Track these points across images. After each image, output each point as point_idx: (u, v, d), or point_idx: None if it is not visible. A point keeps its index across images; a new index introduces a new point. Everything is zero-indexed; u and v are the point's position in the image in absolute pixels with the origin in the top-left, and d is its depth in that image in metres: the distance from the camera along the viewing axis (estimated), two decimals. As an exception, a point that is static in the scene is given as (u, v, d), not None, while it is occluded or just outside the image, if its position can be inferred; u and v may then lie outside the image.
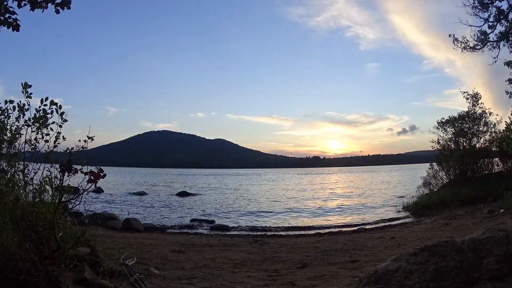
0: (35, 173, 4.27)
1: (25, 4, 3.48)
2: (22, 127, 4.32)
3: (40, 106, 4.08)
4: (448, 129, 14.68)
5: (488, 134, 14.04)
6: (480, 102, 14.29)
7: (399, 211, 14.09)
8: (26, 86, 4.05)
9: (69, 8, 3.56)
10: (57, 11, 3.53)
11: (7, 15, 3.45)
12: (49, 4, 3.52)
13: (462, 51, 12.88)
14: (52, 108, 4.06)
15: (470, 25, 12.46)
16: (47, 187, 4.14)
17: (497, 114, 14.02)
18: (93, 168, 3.24)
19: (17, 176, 4.26)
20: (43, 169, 4.17)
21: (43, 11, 3.52)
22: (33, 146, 4.27)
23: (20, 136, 4.39)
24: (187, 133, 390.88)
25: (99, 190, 23.58)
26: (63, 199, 3.49)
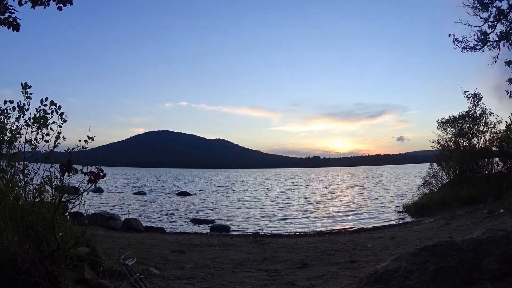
0: (35, 173, 4.27)
1: (26, 2, 3.46)
2: (22, 127, 4.32)
3: (40, 106, 4.08)
4: (448, 129, 14.67)
5: (488, 134, 14.04)
6: (480, 102, 14.30)
7: (399, 211, 14.09)
8: (26, 86, 4.04)
9: (71, 3, 3.54)
10: (60, 8, 3.51)
11: (7, 15, 3.43)
12: (51, 1, 3.50)
13: (462, 51, 12.88)
14: (52, 108, 4.06)
15: (470, 25, 12.46)
16: (47, 187, 4.13)
17: (497, 115, 14.04)
18: (93, 168, 3.24)
19: (17, 176, 4.26)
20: (43, 169, 4.17)
21: (44, 8, 3.50)
22: (33, 146, 4.27)
23: (20, 136, 4.39)
24: (187, 133, 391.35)
25: (99, 190, 23.60)
26: (63, 199, 3.49)
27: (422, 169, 17.37)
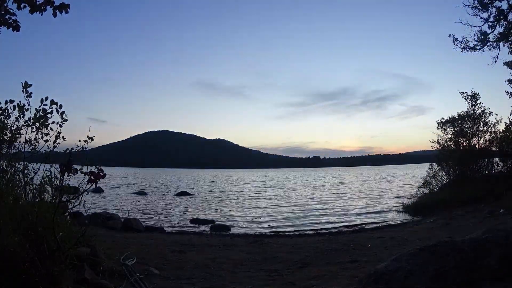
0: (35, 173, 4.27)
1: (24, 6, 3.47)
2: (22, 127, 4.32)
3: (40, 106, 4.09)
4: (448, 129, 14.71)
5: (488, 134, 14.07)
6: (479, 102, 14.34)
7: (399, 211, 14.09)
8: (26, 85, 4.05)
9: (67, 12, 3.55)
10: (55, 14, 3.52)
11: (7, 16, 3.44)
12: (48, 7, 3.51)
13: (462, 51, 12.88)
14: (52, 108, 4.07)
15: (470, 25, 12.46)
16: (47, 187, 4.14)
17: (496, 114, 14.07)
18: (93, 168, 3.24)
19: (17, 176, 4.26)
20: (43, 169, 4.18)
21: (42, 14, 3.50)
22: (33, 146, 4.27)
23: (20, 136, 4.39)
24: (187, 133, 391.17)
25: (99, 190, 23.57)
26: (63, 199, 3.50)
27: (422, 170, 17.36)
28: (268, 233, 10.72)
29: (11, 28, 3.53)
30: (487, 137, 14.06)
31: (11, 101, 4.28)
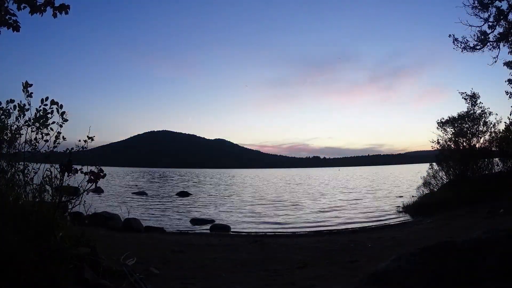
0: (35, 173, 4.27)
1: (24, 7, 3.47)
2: (22, 127, 4.32)
3: (40, 106, 4.09)
4: (448, 129, 14.70)
5: (488, 134, 14.06)
6: (479, 102, 14.33)
7: (399, 211, 14.10)
8: (26, 85, 4.05)
9: (67, 13, 3.55)
10: (55, 15, 3.52)
11: (7, 16, 3.45)
12: (48, 8, 3.51)
13: (462, 51, 12.87)
14: (52, 108, 4.07)
15: (470, 25, 12.45)
16: (47, 187, 4.14)
17: (496, 114, 14.06)
18: (93, 168, 3.25)
19: (17, 176, 4.26)
20: (43, 169, 4.17)
21: (41, 15, 3.51)
22: (33, 146, 4.27)
23: (20, 136, 4.39)
24: (187, 133, 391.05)
25: (99, 190, 23.55)
26: (63, 199, 3.50)
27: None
28: (268, 233, 10.71)
29: (11, 28, 3.54)
30: (487, 137, 14.07)
31: (12, 101, 4.27)
